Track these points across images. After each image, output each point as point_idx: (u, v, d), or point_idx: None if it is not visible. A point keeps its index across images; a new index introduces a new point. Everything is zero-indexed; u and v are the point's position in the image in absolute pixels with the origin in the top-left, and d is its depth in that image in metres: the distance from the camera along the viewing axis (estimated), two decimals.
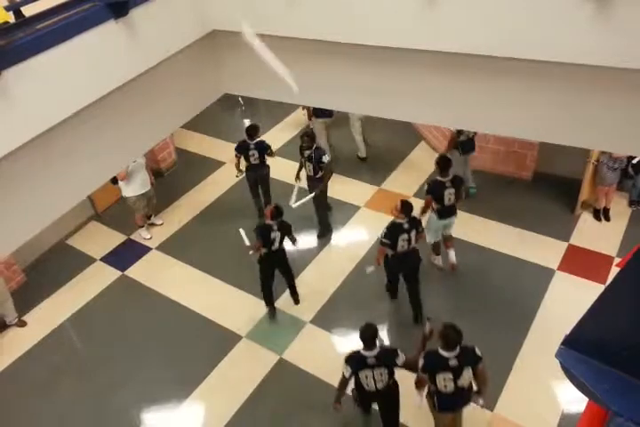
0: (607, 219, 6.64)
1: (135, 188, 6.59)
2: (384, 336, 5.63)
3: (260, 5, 2.61)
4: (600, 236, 6.47)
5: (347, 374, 4.05)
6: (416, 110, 2.85)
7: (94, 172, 2.64)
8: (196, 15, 2.71)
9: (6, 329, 6.04)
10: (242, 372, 5.39)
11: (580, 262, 6.14)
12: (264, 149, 6.72)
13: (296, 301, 6.00)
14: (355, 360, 4.04)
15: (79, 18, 2.12)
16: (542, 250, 6.30)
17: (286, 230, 5.43)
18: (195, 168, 8.38)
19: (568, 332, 1.91)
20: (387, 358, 4.02)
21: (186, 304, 6.14)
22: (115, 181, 6.39)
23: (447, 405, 4.08)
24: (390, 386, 4.16)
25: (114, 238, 7.16)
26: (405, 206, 5.09)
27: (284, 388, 5.20)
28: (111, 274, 6.66)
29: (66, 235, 7.21)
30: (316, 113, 7.67)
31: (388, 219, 5.35)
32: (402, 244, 5.13)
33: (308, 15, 2.52)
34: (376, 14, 2.35)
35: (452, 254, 6.09)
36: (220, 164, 8.41)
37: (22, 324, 6.10)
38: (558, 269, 6.09)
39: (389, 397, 4.27)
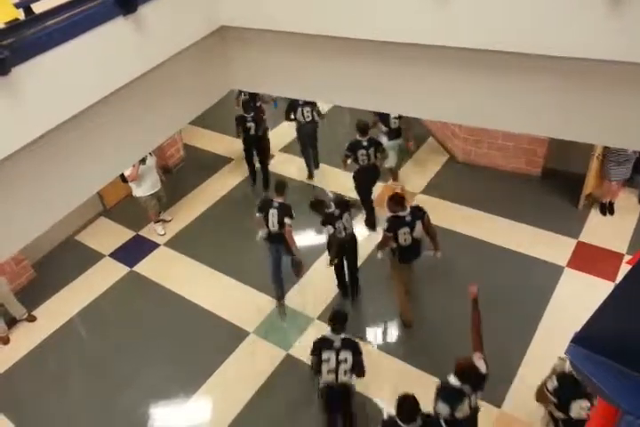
0: (611, 212, 6.59)
1: (145, 188, 6.65)
2: (388, 330, 5.62)
3: (269, 1, 2.60)
4: (610, 232, 6.42)
5: None
6: (424, 106, 2.83)
7: (103, 168, 2.65)
8: (204, 11, 2.70)
9: (16, 324, 6.10)
10: (249, 368, 5.42)
11: (590, 259, 6.10)
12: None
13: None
14: None
15: (88, 14, 2.12)
16: (551, 247, 6.27)
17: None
18: (203, 164, 8.40)
19: (578, 329, 1.89)
20: None
21: (194, 300, 6.17)
22: (124, 179, 6.43)
23: (406, 257, 5.31)
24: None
25: (122, 234, 7.20)
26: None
27: (291, 384, 5.22)
28: (120, 270, 6.70)
29: (75, 231, 7.26)
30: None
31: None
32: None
33: (318, 11, 2.51)
34: (387, 10, 2.33)
35: None
36: (227, 160, 8.43)
37: (32, 319, 6.16)
38: (567, 266, 6.06)
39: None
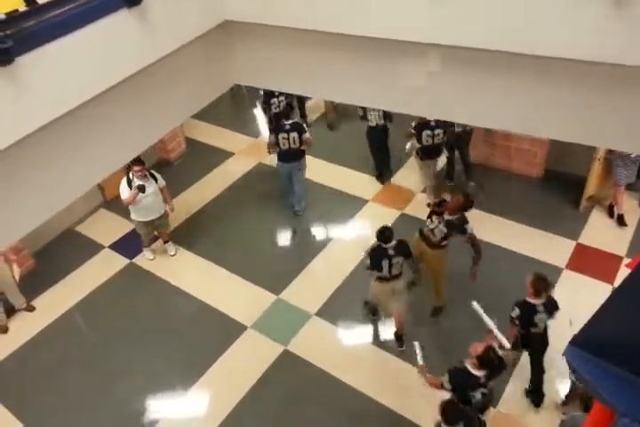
0: (623, 223, 6.51)
1: (141, 213, 6.19)
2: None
3: None
4: (609, 235, 6.41)
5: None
6: (428, 106, 2.83)
7: (104, 160, 2.65)
8: (208, 5, 2.69)
9: (15, 314, 6.11)
10: (246, 362, 5.43)
11: (589, 262, 6.10)
12: None
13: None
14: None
15: (93, 6, 2.12)
16: (551, 248, 6.26)
17: None
18: (204, 158, 8.38)
19: (576, 331, 1.90)
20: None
21: (192, 293, 6.18)
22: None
23: (428, 154, 6.51)
24: None
25: (123, 226, 7.19)
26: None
27: (288, 379, 5.23)
28: (119, 261, 6.70)
29: (75, 222, 7.26)
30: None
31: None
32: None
33: (321, 7, 2.49)
34: (391, 6, 2.32)
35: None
36: (229, 154, 8.42)
37: (31, 308, 6.17)
38: (567, 267, 6.06)
39: None
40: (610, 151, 6.14)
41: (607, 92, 2.24)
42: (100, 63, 2.24)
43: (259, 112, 9.22)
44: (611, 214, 6.65)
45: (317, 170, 7.76)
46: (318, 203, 7.27)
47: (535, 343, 4.47)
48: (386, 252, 4.82)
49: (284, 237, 6.96)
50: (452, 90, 2.61)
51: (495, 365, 3.79)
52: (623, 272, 5.79)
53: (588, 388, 1.75)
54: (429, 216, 5.23)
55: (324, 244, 6.69)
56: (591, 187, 6.54)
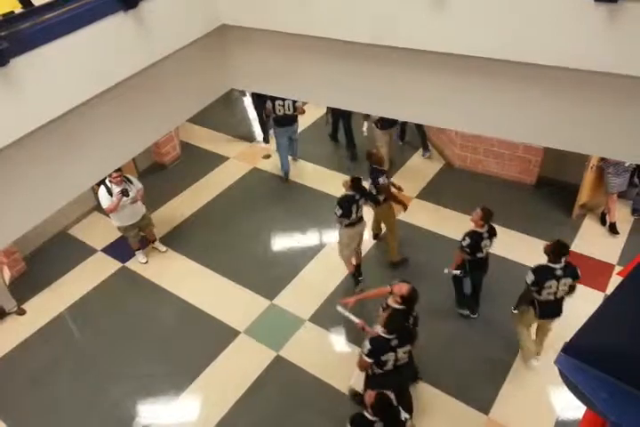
0: (615, 232, 6.55)
1: (123, 219, 6.23)
2: None
3: (271, 1, 2.60)
4: (601, 243, 6.44)
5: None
6: (422, 112, 2.84)
7: (97, 163, 2.64)
8: (205, 9, 2.70)
9: (5, 317, 6.06)
10: (239, 367, 5.40)
11: (581, 269, 6.09)
12: None
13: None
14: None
15: (89, 8, 2.11)
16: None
17: None
18: (198, 162, 8.37)
19: (568, 339, 1.90)
20: None
21: (185, 298, 6.15)
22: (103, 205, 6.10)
23: (385, 125, 7.37)
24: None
25: (115, 230, 7.12)
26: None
27: (280, 384, 5.21)
28: (112, 265, 6.67)
29: (67, 225, 7.22)
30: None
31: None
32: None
33: (320, 12, 2.50)
34: (387, 14, 2.34)
35: None
36: (224, 159, 8.41)
37: (22, 312, 6.11)
38: None
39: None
40: (602, 159, 6.18)
41: (600, 101, 2.25)
42: (95, 66, 2.23)
43: (252, 113, 9.22)
44: (603, 222, 6.68)
45: (313, 175, 7.78)
46: (312, 208, 7.27)
47: (479, 266, 5.39)
48: (354, 198, 5.68)
49: (278, 243, 6.95)
50: (446, 96, 2.62)
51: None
52: (615, 280, 5.83)
53: (578, 396, 1.75)
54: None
55: (317, 249, 6.68)
56: (584, 195, 6.58)
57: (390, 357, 4.11)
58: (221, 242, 6.89)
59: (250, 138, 8.91)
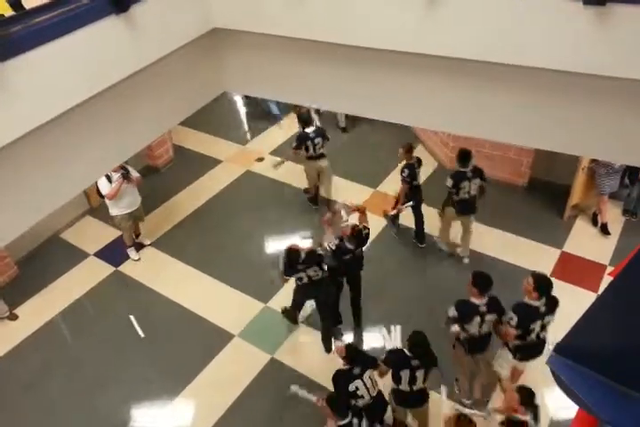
0: (607, 232, 6.60)
1: (122, 207, 6.27)
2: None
3: (263, 4, 2.61)
4: (593, 244, 6.49)
5: None
6: (413, 114, 2.86)
7: (90, 167, 2.63)
8: (197, 13, 2.70)
9: None
10: (233, 371, 5.38)
11: (573, 270, 6.16)
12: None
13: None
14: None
15: (80, 12, 2.11)
16: (535, 256, 6.32)
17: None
18: (192, 166, 8.35)
19: (560, 339, 1.91)
20: None
21: (179, 302, 6.13)
22: (101, 194, 6.16)
23: None
24: None
25: (108, 234, 7.12)
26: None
27: (275, 388, 5.19)
28: (104, 269, 6.63)
29: (60, 229, 7.18)
30: None
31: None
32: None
33: (312, 16, 2.51)
34: (378, 17, 2.35)
35: None
36: (217, 162, 8.40)
37: (14, 317, 6.07)
38: (551, 275, 6.09)
39: None
40: (594, 161, 6.23)
41: (590, 102, 2.28)
42: (87, 69, 2.23)
43: (244, 115, 9.22)
44: (594, 223, 6.73)
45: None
46: (306, 212, 7.27)
47: (419, 195, 6.25)
48: (307, 135, 6.47)
49: (272, 246, 6.95)
50: (437, 98, 2.64)
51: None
52: (607, 281, 5.85)
53: (571, 396, 1.75)
54: None
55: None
56: (575, 196, 6.62)
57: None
58: (215, 245, 6.88)
59: (243, 141, 8.91)
